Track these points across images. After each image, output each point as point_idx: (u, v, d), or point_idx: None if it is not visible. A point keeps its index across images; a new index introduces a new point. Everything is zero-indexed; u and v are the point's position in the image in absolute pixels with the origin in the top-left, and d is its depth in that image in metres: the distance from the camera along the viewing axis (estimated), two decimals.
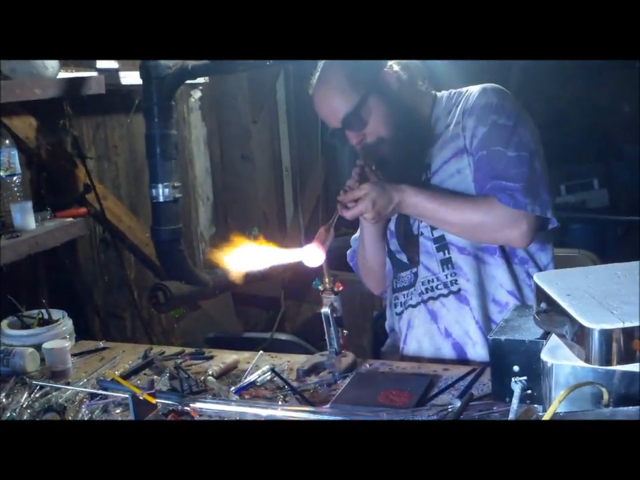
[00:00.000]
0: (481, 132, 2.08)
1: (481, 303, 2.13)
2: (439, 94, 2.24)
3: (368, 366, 2.05)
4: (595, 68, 5.03)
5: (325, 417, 1.73)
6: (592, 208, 5.56)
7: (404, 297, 2.26)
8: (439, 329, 2.18)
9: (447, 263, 2.15)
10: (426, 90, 2.22)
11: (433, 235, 2.16)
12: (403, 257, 2.26)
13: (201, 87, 4.13)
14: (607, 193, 5.66)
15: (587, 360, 1.31)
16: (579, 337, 1.32)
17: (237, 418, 1.76)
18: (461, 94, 2.19)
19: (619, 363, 1.29)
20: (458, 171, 2.12)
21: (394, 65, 2.12)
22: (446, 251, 2.15)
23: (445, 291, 2.16)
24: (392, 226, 2.29)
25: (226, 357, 2.13)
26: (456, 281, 2.14)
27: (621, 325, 1.26)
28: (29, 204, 2.54)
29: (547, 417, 1.22)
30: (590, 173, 5.66)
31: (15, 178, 2.53)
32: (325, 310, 2.01)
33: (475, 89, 2.17)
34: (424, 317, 2.19)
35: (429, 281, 2.18)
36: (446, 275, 2.16)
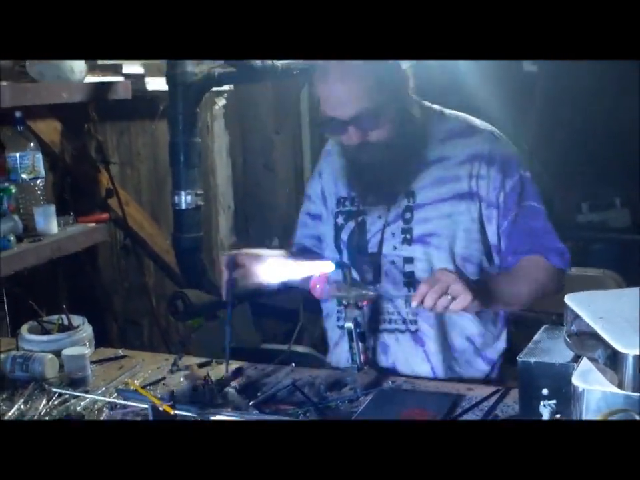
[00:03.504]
0: (510, 186, 2.05)
1: (439, 348, 2.07)
2: (425, 103, 2.15)
3: (390, 383, 2.01)
4: (618, 88, 5.00)
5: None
6: (614, 227, 5.50)
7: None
8: (386, 363, 2.12)
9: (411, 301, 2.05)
10: (417, 98, 2.11)
11: (404, 269, 2.08)
12: (354, 273, 2.13)
13: (225, 95, 4.13)
14: (629, 212, 5.60)
15: (620, 386, 1.28)
16: (612, 361, 1.29)
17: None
18: (460, 124, 2.11)
19: None
20: (449, 215, 2.04)
21: (408, 69, 2.03)
22: (412, 289, 2.06)
23: (402, 327, 2.09)
24: (344, 236, 2.17)
25: (250, 370, 2.12)
26: (416, 321, 2.06)
27: None
28: (52, 208, 2.53)
29: None
30: (612, 193, 5.61)
31: (38, 181, 2.52)
32: (349, 325, 1.98)
33: (481, 131, 2.10)
34: (375, 346, 2.13)
35: (389, 312, 2.10)
36: (407, 312, 2.08)
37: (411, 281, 2.07)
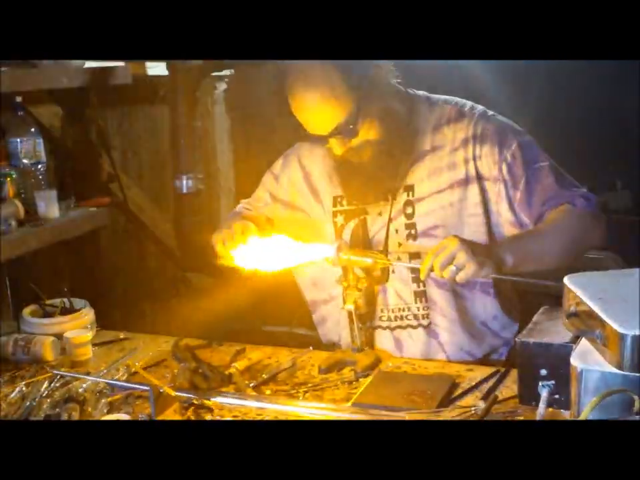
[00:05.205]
0: (510, 154, 2.02)
1: (454, 338, 2.08)
2: (410, 92, 2.12)
3: (390, 364, 2.02)
4: (620, 72, 5.00)
5: (346, 416, 1.71)
6: (614, 209, 5.49)
7: None
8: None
9: (420, 295, 2.08)
10: (399, 88, 2.09)
11: (410, 263, 2.06)
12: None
13: (226, 80, 4.11)
14: (630, 194, 5.59)
15: (619, 366, 1.28)
16: (610, 342, 1.29)
17: (256, 413, 1.75)
18: (449, 110, 2.09)
19: None
20: (451, 204, 2.04)
21: (379, 64, 1.99)
22: (421, 284, 2.07)
23: (414, 322, 2.10)
24: (346, 236, 2.14)
25: (251, 352, 2.13)
26: (428, 315, 2.08)
27: None
28: (53, 192, 2.53)
29: None
30: (612, 174, 5.60)
31: (39, 166, 2.52)
32: (349, 306, 1.99)
33: (470, 114, 2.07)
34: (388, 344, 2.13)
35: (400, 309, 2.10)
36: (418, 308, 2.09)
37: (418, 276, 2.01)
